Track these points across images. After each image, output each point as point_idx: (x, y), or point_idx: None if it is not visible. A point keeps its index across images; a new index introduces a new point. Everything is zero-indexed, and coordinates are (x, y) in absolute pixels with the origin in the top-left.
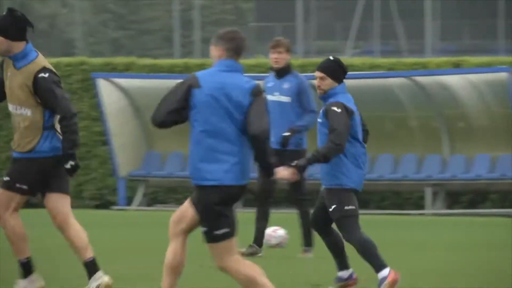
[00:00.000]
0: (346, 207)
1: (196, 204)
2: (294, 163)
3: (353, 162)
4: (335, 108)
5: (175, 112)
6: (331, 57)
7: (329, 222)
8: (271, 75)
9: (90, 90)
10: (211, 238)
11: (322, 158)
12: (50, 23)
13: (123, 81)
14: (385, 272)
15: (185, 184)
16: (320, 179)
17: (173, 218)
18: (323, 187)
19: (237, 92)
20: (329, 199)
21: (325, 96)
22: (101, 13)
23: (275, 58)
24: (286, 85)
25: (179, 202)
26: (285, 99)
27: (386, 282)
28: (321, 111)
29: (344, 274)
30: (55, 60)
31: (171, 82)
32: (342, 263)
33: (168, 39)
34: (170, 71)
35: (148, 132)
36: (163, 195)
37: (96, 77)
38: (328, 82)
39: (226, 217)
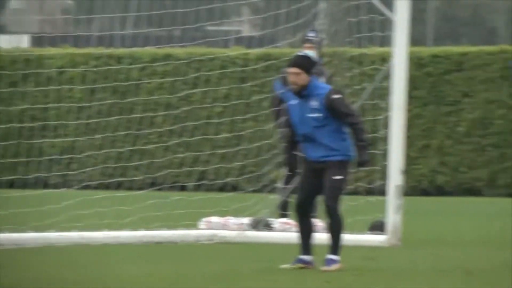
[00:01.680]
0: (347, 179)
1: None
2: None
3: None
4: (336, 96)
5: None
6: (300, 53)
7: (312, 206)
8: None
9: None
10: None
11: (368, 143)
12: (473, 11)
13: None
14: (339, 258)
15: None
16: (316, 155)
17: None
18: (323, 160)
19: None
20: (336, 170)
21: (306, 90)
22: None
23: None
24: None
25: None
26: None
27: (336, 266)
28: (316, 105)
29: (307, 258)
30: (476, 48)
31: None
32: (309, 248)
33: None
34: None
35: None
36: None
37: None
38: (304, 77)
39: None
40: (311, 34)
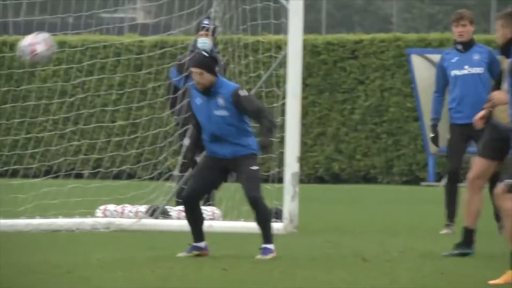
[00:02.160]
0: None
1: None
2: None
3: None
4: (243, 93)
5: None
6: (204, 53)
7: (201, 197)
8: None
9: (404, 66)
10: None
11: (272, 131)
12: None
13: (437, 57)
14: (272, 246)
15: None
16: (224, 152)
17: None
18: (231, 157)
19: None
20: (251, 161)
21: (212, 88)
22: None
23: (459, 32)
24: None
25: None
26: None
27: (271, 254)
28: (223, 103)
29: (201, 244)
30: (370, 36)
31: None
32: (201, 235)
33: (485, 15)
34: None
35: None
36: None
37: (410, 53)
38: (207, 77)
39: None
40: (206, 22)
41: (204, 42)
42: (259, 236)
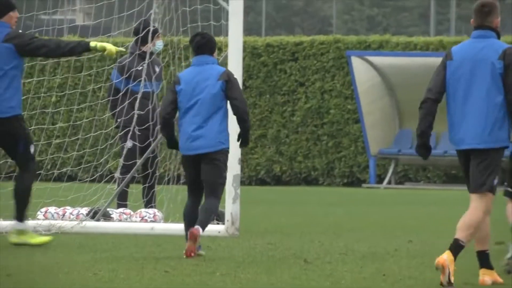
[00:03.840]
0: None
1: None
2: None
3: None
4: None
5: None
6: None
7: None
8: None
9: (344, 68)
10: None
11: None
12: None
13: (377, 59)
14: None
15: (437, 163)
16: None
17: None
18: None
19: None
20: (226, 159)
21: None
22: None
23: None
24: None
25: (430, 180)
26: None
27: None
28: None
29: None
30: (309, 38)
31: (425, 60)
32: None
33: (424, 17)
34: (424, 49)
35: (400, 110)
36: (414, 173)
37: (350, 55)
38: None
39: None
40: (156, 25)
41: (160, 45)
42: (200, 238)
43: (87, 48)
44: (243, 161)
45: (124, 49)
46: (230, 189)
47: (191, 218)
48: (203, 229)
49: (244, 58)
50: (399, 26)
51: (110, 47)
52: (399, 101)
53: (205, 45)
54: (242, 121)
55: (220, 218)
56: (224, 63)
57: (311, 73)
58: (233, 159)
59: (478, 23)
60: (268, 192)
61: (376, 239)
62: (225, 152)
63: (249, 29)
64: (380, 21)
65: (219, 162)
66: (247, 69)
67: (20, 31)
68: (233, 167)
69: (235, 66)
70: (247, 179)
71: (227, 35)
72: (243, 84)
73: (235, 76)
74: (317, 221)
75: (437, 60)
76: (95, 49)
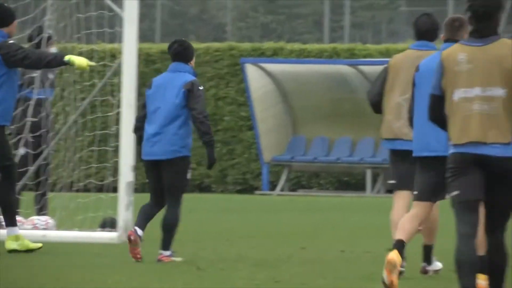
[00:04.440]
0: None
1: None
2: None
3: None
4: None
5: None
6: None
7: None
8: None
9: (238, 75)
10: None
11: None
12: (201, 8)
13: (271, 66)
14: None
15: (329, 169)
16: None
17: None
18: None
19: None
20: (184, 167)
21: None
22: None
23: None
24: None
25: (323, 187)
26: None
27: (171, 258)
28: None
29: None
30: (204, 45)
31: (319, 67)
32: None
33: (318, 24)
34: (318, 56)
35: (293, 117)
36: (307, 180)
37: (244, 62)
38: None
39: None
40: (49, 31)
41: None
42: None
43: (62, 62)
44: (137, 169)
45: (95, 63)
46: (123, 197)
47: (145, 216)
48: (167, 249)
49: (138, 65)
50: (294, 33)
51: (80, 61)
52: (293, 108)
53: (182, 53)
54: (200, 132)
55: (113, 225)
56: (119, 70)
57: (206, 80)
58: (126, 167)
59: (448, 36)
60: None
61: (269, 246)
62: (183, 159)
63: (143, 36)
64: (274, 28)
65: (176, 168)
66: (141, 76)
67: (12, 41)
68: (126, 174)
69: (130, 73)
70: (140, 187)
71: (121, 41)
72: (138, 91)
73: (200, 87)
74: (210, 228)
75: (330, 68)
76: (68, 63)
